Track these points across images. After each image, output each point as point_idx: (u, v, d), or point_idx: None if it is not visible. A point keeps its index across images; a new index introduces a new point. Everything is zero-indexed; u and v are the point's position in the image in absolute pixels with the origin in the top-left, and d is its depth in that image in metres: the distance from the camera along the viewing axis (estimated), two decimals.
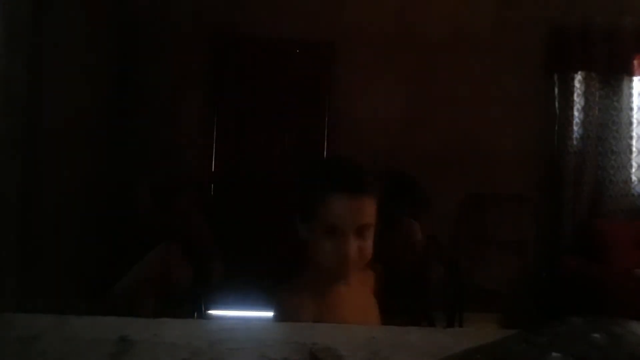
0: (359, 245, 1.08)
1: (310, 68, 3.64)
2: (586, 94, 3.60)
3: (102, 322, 0.69)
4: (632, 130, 3.61)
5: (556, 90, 3.63)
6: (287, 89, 3.64)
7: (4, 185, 2.11)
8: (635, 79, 3.63)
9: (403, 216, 3.13)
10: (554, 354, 0.40)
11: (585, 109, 3.60)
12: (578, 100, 3.60)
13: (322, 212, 1.08)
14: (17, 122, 2.19)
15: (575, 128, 3.59)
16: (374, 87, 3.57)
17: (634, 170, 3.62)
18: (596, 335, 0.43)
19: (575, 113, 3.59)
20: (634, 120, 3.62)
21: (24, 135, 2.23)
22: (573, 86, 3.58)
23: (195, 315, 2.90)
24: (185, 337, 0.63)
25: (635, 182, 3.62)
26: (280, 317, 1.18)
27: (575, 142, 3.59)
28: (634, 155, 3.62)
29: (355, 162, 1.24)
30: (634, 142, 3.62)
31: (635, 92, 3.64)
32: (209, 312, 3.21)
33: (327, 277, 1.14)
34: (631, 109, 3.62)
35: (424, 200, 3.33)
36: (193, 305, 2.92)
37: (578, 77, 3.60)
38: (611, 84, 3.59)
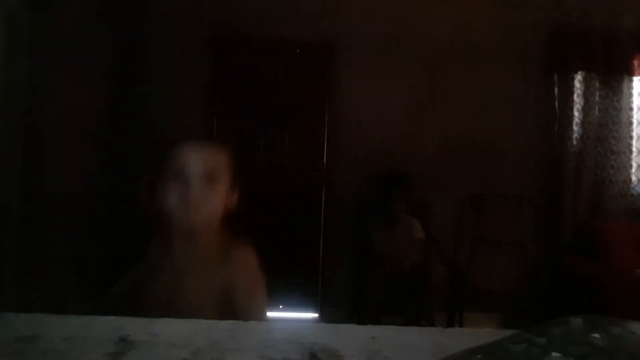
0: (205, 193, 1.08)
1: (310, 68, 3.64)
2: (586, 94, 3.60)
3: (102, 322, 0.69)
4: (632, 130, 3.61)
5: (556, 90, 3.63)
6: (287, 89, 3.64)
7: (4, 185, 2.11)
8: (635, 79, 3.63)
9: (403, 214, 3.14)
10: (554, 354, 0.40)
11: (585, 109, 3.60)
12: (578, 100, 3.60)
13: (170, 158, 1.10)
14: (17, 122, 2.19)
15: (575, 128, 3.59)
16: (374, 87, 3.57)
17: (634, 170, 3.62)
18: (596, 335, 0.43)
19: (575, 113, 3.59)
20: (634, 120, 3.62)
21: (23, 135, 2.23)
22: (573, 86, 3.58)
23: None
24: (185, 337, 0.63)
25: (635, 182, 3.62)
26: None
27: (575, 142, 3.59)
28: (634, 155, 3.62)
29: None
30: (634, 142, 3.62)
31: (635, 92, 3.64)
32: None
33: (173, 230, 1.12)
34: (631, 109, 3.62)
35: (423, 200, 3.34)
36: None
37: (578, 77, 3.60)
38: (611, 84, 3.59)
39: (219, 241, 1.18)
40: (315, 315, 3.53)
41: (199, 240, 1.14)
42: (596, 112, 3.61)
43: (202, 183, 1.10)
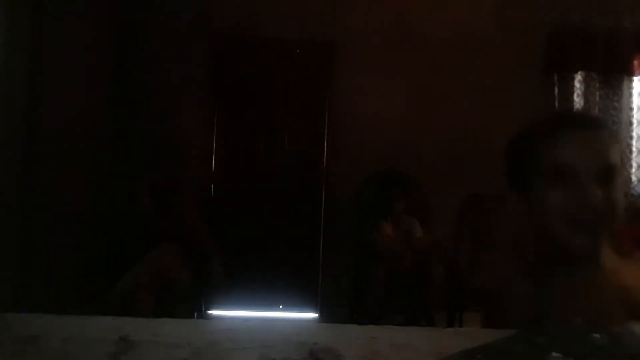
0: (604, 195, 0.77)
1: (310, 68, 3.64)
2: (586, 94, 3.60)
3: (102, 322, 0.69)
4: (632, 130, 3.61)
5: (556, 90, 3.63)
6: (287, 89, 3.64)
7: (4, 185, 2.11)
8: (635, 79, 3.63)
9: (402, 214, 3.14)
10: (554, 354, 0.40)
11: (585, 109, 3.60)
12: (578, 100, 3.60)
13: (549, 152, 0.79)
14: (17, 122, 2.19)
15: None
16: (374, 87, 3.57)
17: (634, 170, 3.62)
18: (596, 335, 0.43)
19: None
20: (634, 120, 3.62)
21: (24, 135, 2.23)
22: (573, 86, 3.58)
23: (195, 315, 2.89)
24: (185, 337, 0.63)
25: (635, 182, 3.62)
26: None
27: None
28: (634, 155, 3.62)
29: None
30: (634, 142, 3.62)
31: (635, 92, 3.63)
32: (209, 312, 3.21)
33: (567, 255, 0.78)
34: (631, 109, 3.62)
35: (423, 199, 3.34)
36: (193, 305, 2.91)
37: (578, 77, 3.59)
38: (611, 84, 3.59)
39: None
40: (315, 315, 3.53)
41: (603, 254, 0.83)
42: (596, 112, 3.61)
43: (598, 187, 0.77)
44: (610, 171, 0.79)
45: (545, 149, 0.80)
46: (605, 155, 0.78)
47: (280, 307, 3.48)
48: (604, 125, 0.83)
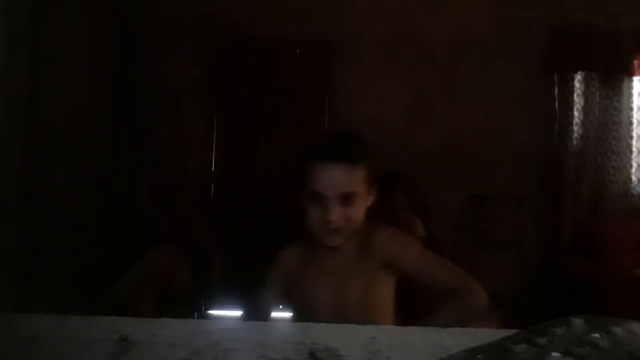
0: (344, 212, 1.10)
1: (310, 68, 3.64)
2: (586, 94, 3.60)
3: (102, 322, 0.69)
4: (632, 130, 3.61)
5: (556, 90, 3.63)
6: (287, 89, 3.64)
7: (4, 185, 2.11)
8: (635, 79, 3.63)
9: (404, 212, 3.14)
10: (554, 354, 0.40)
11: (585, 109, 3.60)
12: (578, 100, 3.60)
13: (308, 180, 1.11)
14: (17, 121, 2.19)
15: (575, 128, 3.59)
16: (374, 87, 3.57)
17: (634, 170, 3.62)
18: (596, 335, 0.43)
19: (575, 113, 3.59)
20: (634, 120, 3.62)
21: (24, 135, 2.23)
22: (573, 86, 3.58)
23: (195, 315, 2.89)
24: (185, 337, 0.63)
25: (635, 182, 3.62)
26: (267, 276, 1.29)
27: (575, 142, 3.59)
28: (634, 155, 3.62)
29: (349, 132, 1.28)
30: (634, 142, 3.62)
31: (635, 92, 3.64)
32: (209, 312, 3.21)
33: (314, 243, 1.17)
34: (631, 109, 3.62)
35: (423, 199, 3.34)
36: (193, 305, 2.91)
37: (578, 77, 3.60)
38: (611, 84, 3.59)
39: (362, 236, 1.20)
40: None
41: (344, 249, 1.18)
42: (596, 112, 3.61)
43: (341, 206, 1.10)
44: (350, 196, 1.11)
45: (306, 178, 1.12)
46: (346, 185, 1.11)
47: (280, 307, 3.47)
48: (353, 157, 1.14)
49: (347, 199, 1.11)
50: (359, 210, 1.14)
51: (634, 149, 3.62)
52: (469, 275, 1.19)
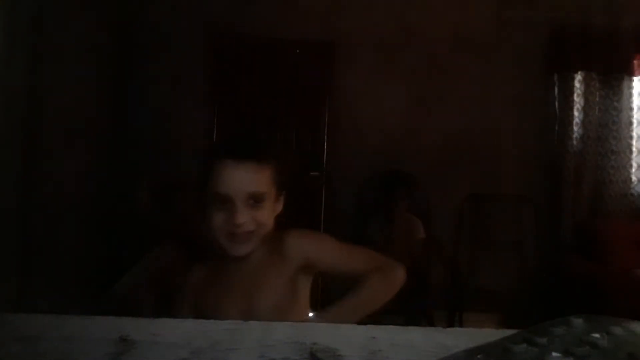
0: (252, 215, 1.02)
1: (310, 68, 3.64)
2: (586, 94, 3.60)
3: (102, 322, 0.69)
4: (632, 130, 3.61)
5: (556, 90, 3.63)
6: (287, 89, 3.64)
7: (4, 185, 2.11)
8: (635, 79, 3.63)
9: (404, 213, 3.14)
10: (554, 354, 0.40)
11: (585, 109, 3.60)
12: (578, 100, 3.60)
13: (212, 181, 1.02)
14: (17, 121, 2.19)
15: (575, 128, 3.59)
16: (374, 87, 3.57)
17: (634, 170, 3.62)
18: (596, 335, 0.43)
19: (575, 113, 3.59)
20: (634, 120, 3.62)
21: (24, 135, 2.23)
22: (573, 86, 3.58)
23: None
24: (185, 337, 0.63)
25: (635, 182, 3.62)
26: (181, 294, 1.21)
27: (575, 142, 3.59)
28: (634, 155, 3.62)
29: (255, 133, 1.25)
30: (634, 142, 3.62)
31: (635, 92, 3.63)
32: None
33: (221, 255, 1.08)
34: (631, 109, 3.62)
35: (423, 199, 3.34)
36: None
37: (578, 77, 3.59)
38: (611, 84, 3.59)
39: (272, 243, 1.12)
40: None
41: (253, 258, 1.10)
42: (596, 112, 3.61)
43: (248, 209, 1.02)
44: (258, 197, 1.03)
45: (209, 180, 1.02)
46: (253, 184, 1.02)
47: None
48: (260, 155, 1.05)
49: (254, 200, 1.03)
50: (267, 214, 1.06)
51: (634, 149, 3.61)
52: (389, 258, 1.16)
